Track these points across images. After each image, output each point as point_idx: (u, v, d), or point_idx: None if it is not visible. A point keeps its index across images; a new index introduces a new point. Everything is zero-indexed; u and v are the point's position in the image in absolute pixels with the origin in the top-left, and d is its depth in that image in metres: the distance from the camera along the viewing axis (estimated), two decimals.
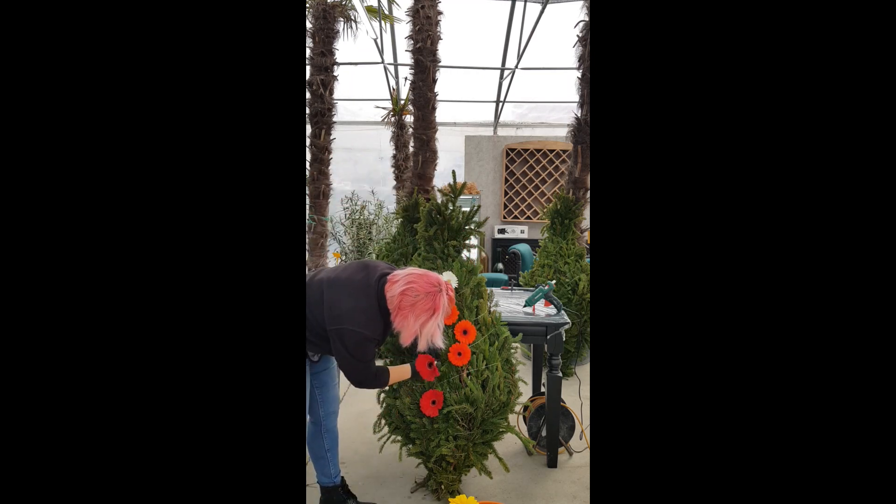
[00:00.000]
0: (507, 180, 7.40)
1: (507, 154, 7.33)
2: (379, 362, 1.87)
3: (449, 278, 2.01)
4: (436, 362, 1.93)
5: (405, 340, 1.69)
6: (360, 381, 1.72)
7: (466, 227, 2.10)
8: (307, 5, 5.42)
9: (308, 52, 5.51)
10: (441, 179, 6.33)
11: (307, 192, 5.60)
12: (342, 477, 2.06)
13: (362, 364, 1.68)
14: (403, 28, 5.17)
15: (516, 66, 6.76)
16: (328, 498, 2.03)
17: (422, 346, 1.70)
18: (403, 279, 1.67)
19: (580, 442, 2.69)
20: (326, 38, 5.49)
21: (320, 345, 1.74)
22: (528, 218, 7.44)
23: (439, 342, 1.71)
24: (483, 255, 7.18)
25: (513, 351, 2.10)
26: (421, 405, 1.90)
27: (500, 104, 7.69)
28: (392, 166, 6.76)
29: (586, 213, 5.11)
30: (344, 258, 6.23)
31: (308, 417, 1.91)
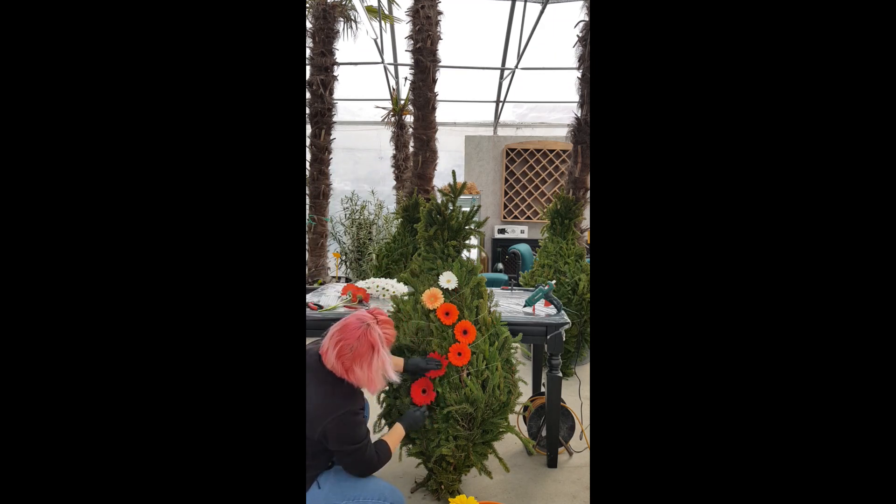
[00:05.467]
0: (507, 180, 7.41)
1: (507, 154, 7.34)
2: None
3: (448, 278, 2.01)
4: (432, 381, 1.94)
5: (373, 390, 1.66)
6: (367, 468, 1.65)
7: (466, 227, 2.10)
8: (307, 5, 5.42)
9: (308, 52, 5.51)
10: (441, 179, 6.34)
11: (307, 192, 5.60)
12: None
13: (363, 446, 1.62)
14: (403, 28, 5.18)
15: (516, 66, 6.76)
16: None
17: (377, 384, 1.65)
18: (331, 342, 1.63)
19: (580, 442, 2.69)
20: (326, 38, 5.49)
21: (320, 466, 1.67)
22: (528, 218, 7.44)
23: (392, 375, 1.67)
24: (483, 255, 7.18)
25: (513, 351, 2.10)
26: (413, 397, 1.92)
27: (500, 104, 7.69)
28: (392, 166, 6.76)
29: (586, 213, 5.12)
30: (344, 258, 6.24)
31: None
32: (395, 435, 1.81)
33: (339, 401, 1.61)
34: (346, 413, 1.59)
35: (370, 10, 6.08)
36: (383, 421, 2.08)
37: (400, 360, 1.90)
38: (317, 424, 1.57)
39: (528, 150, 7.30)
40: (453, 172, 2.19)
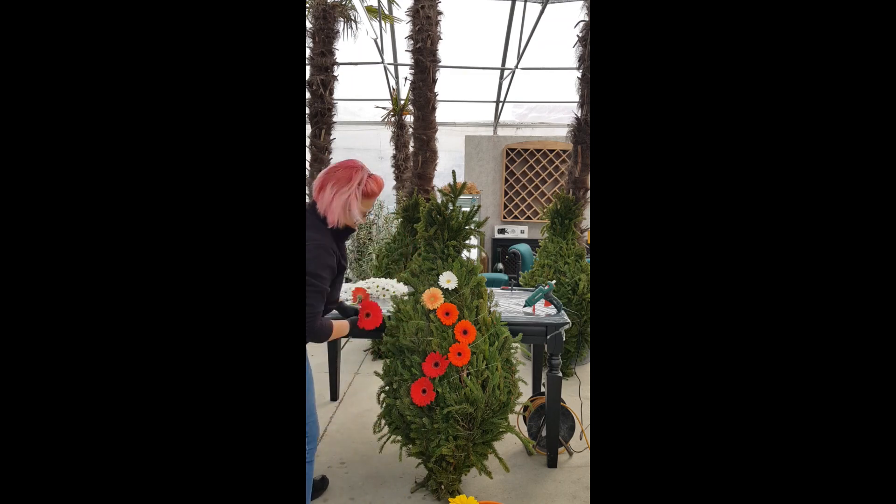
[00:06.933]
0: (507, 180, 7.41)
1: (507, 154, 7.34)
2: (378, 365, 1.81)
3: (448, 278, 2.01)
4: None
5: (331, 221, 1.71)
6: (308, 313, 1.67)
7: (466, 227, 2.10)
8: (307, 5, 5.42)
9: (308, 52, 5.51)
10: (441, 179, 6.33)
11: (307, 192, 5.61)
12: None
13: (317, 284, 1.64)
14: (403, 28, 5.18)
15: (516, 66, 6.77)
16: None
17: (337, 219, 1.71)
18: (326, 172, 1.75)
19: (580, 442, 2.69)
20: (326, 38, 5.48)
21: None
22: (528, 218, 7.44)
23: (356, 213, 1.73)
24: (483, 255, 7.18)
25: (513, 351, 2.10)
26: (359, 322, 1.94)
27: (500, 104, 7.69)
28: (392, 166, 6.76)
29: (586, 213, 5.12)
30: None
31: None
32: (340, 326, 1.85)
33: (312, 232, 1.68)
34: (314, 244, 1.65)
35: (370, 10, 6.08)
36: (383, 421, 2.08)
37: (345, 324, 1.91)
38: None
39: (528, 150, 7.30)
40: (453, 172, 2.19)
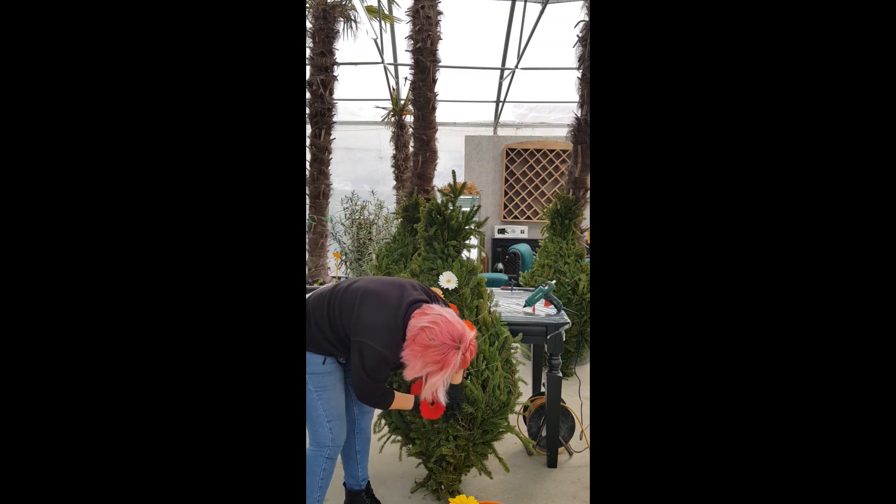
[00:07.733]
0: (507, 180, 7.40)
1: (507, 154, 7.33)
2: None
3: (448, 278, 2.01)
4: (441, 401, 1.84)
5: (407, 376, 1.63)
6: (365, 396, 1.68)
7: (466, 227, 2.10)
8: (307, 5, 5.42)
9: (308, 52, 5.50)
10: (441, 179, 6.33)
11: (307, 192, 5.60)
12: (368, 482, 2.03)
13: (372, 382, 1.64)
14: (403, 28, 5.18)
15: (516, 66, 6.77)
16: (351, 502, 2.01)
17: (425, 393, 1.65)
18: (431, 316, 1.59)
19: (580, 442, 2.69)
20: (326, 38, 5.48)
21: (348, 351, 1.71)
22: (528, 218, 7.44)
23: (441, 397, 1.64)
24: (483, 255, 7.18)
25: (513, 351, 2.10)
26: (422, 411, 1.86)
27: (500, 104, 7.69)
28: (392, 166, 6.76)
29: (586, 213, 5.12)
30: (344, 258, 6.23)
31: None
32: (403, 399, 1.79)
33: (389, 345, 1.60)
34: (382, 355, 1.59)
35: (370, 10, 6.07)
36: (383, 421, 2.08)
37: (410, 398, 1.83)
38: (360, 329, 1.61)
39: (528, 150, 7.30)
40: (453, 172, 2.19)
